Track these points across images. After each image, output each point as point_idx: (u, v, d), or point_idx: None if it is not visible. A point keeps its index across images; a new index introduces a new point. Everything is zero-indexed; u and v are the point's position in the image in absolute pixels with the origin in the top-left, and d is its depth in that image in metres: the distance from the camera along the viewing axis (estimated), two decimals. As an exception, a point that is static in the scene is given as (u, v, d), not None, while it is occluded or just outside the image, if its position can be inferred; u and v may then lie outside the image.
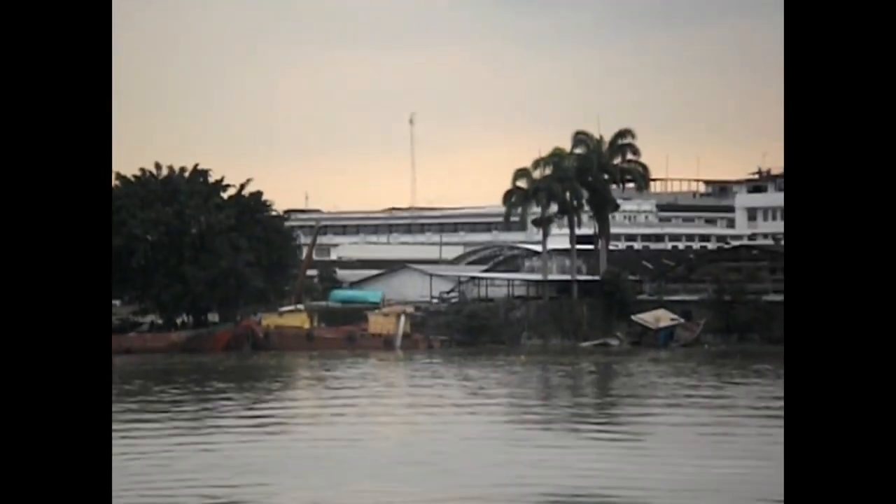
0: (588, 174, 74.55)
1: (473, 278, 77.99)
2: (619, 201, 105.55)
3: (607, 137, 75.99)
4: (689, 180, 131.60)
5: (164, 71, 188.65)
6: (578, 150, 75.32)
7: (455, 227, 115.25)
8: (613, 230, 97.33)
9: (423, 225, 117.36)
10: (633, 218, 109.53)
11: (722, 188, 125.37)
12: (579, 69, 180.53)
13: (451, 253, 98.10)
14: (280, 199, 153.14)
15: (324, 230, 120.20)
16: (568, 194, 74.24)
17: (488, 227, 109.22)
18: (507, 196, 74.45)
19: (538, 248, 77.79)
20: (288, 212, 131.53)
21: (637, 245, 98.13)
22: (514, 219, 75.43)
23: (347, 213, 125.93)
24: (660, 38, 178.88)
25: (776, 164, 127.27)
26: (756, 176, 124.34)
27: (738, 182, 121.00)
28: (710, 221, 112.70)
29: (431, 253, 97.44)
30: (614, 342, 70.24)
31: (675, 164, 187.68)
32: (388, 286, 78.40)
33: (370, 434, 32.33)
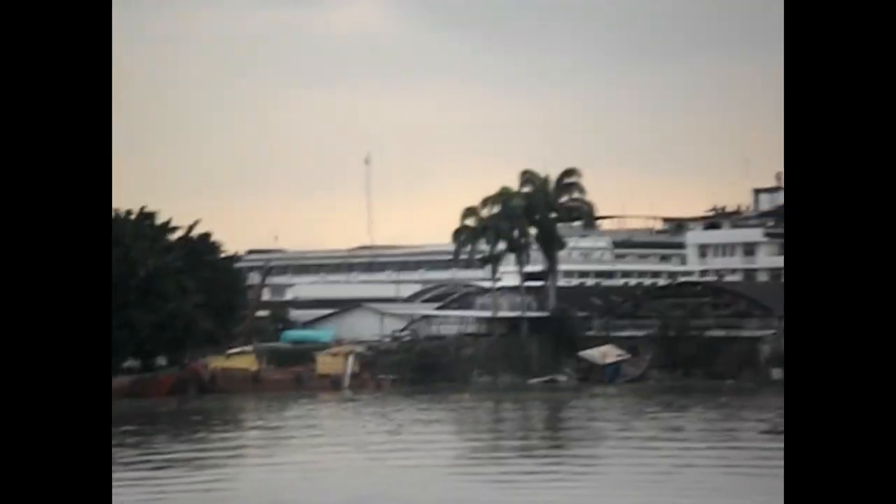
0: (535, 212, 75.62)
1: (426, 316, 78.59)
2: (574, 238, 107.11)
3: (556, 177, 77.19)
4: (647, 217, 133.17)
5: (126, 113, 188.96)
6: (526, 190, 76.44)
7: (416, 266, 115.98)
8: (567, 267, 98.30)
9: (383, 263, 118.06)
10: (588, 255, 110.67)
11: (679, 225, 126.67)
12: (546, 109, 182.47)
13: (410, 292, 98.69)
14: (248, 240, 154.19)
15: (283, 270, 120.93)
16: (516, 232, 75.28)
17: (448, 265, 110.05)
18: (456, 234, 75.38)
19: (488, 284, 78.71)
20: (252, 252, 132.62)
21: (590, 281, 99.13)
22: (463, 257, 76.31)
23: (307, 252, 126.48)
24: (632, 77, 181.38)
25: (731, 202, 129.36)
26: (712, 213, 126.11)
27: (694, 219, 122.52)
28: (664, 258, 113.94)
29: (389, 291, 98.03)
30: (562, 378, 70.99)
31: (633, 202, 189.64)
32: (342, 325, 78.88)
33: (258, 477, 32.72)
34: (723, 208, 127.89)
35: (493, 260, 75.44)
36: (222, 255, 74.03)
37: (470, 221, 74.99)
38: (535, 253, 79.26)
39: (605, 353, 71.04)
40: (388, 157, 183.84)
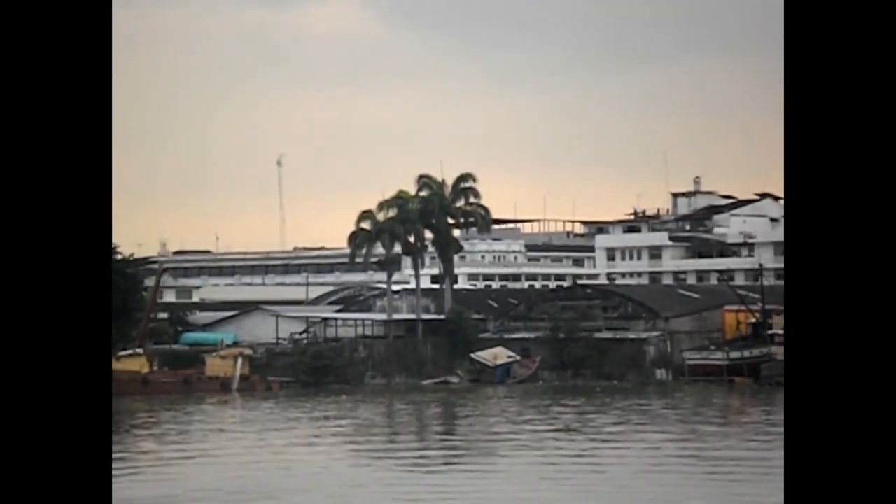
0: (431, 216, 76.47)
1: (325, 319, 79.07)
2: (486, 241, 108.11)
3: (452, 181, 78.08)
4: (566, 221, 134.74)
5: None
6: (423, 193, 77.26)
7: (331, 268, 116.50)
8: (472, 270, 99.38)
9: (300, 265, 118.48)
10: (501, 258, 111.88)
11: (599, 228, 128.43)
12: (497, 111, 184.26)
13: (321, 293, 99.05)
14: (189, 240, 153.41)
15: (198, 272, 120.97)
16: (412, 236, 76.10)
17: (364, 267, 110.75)
18: (352, 237, 76.06)
19: (395, 287, 79.62)
20: (177, 253, 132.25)
21: (496, 284, 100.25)
22: (359, 260, 77.00)
23: (227, 254, 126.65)
24: (583, 81, 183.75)
25: (650, 205, 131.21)
26: (631, 216, 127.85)
27: (614, 223, 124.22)
28: (577, 262, 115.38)
29: (301, 294, 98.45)
30: (455, 380, 71.85)
31: (565, 203, 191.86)
32: (241, 328, 79.09)
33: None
34: (643, 212, 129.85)
35: (389, 263, 76.23)
36: (118, 258, 73.99)
37: (365, 224, 75.69)
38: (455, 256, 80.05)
39: (497, 355, 72.08)
40: (337, 157, 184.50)
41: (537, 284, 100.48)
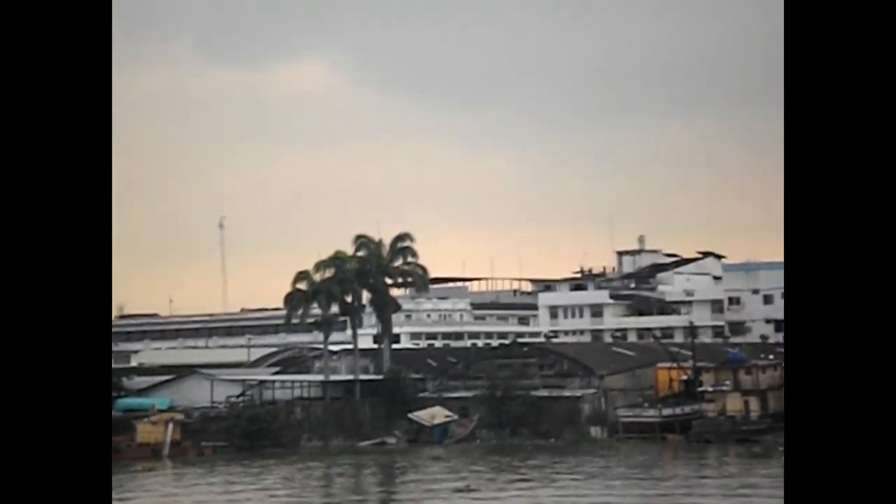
0: (369, 276, 76.34)
1: (262, 382, 78.29)
2: (433, 301, 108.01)
3: (389, 241, 78.09)
4: (514, 279, 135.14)
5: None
6: (361, 254, 77.19)
7: (275, 329, 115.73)
8: (414, 329, 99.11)
9: (243, 327, 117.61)
10: (447, 316, 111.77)
11: (547, 286, 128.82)
12: (422, 170, 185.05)
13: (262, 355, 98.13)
14: (146, 303, 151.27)
15: (141, 336, 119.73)
16: (350, 296, 75.87)
17: (307, 328, 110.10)
18: (288, 298, 75.67)
19: (336, 347, 79.18)
20: (125, 317, 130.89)
21: (438, 343, 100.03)
22: (295, 321, 76.56)
23: (171, 317, 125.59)
24: (528, 139, 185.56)
25: (597, 264, 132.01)
26: (578, 275, 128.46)
27: (562, 280, 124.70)
28: (523, 320, 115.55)
29: (243, 356, 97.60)
30: (392, 440, 71.25)
31: (503, 263, 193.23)
32: (178, 392, 78.04)
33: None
34: (589, 270, 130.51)
35: (326, 324, 75.84)
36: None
37: (302, 285, 75.40)
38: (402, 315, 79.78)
39: (434, 415, 71.67)
40: (285, 217, 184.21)
41: (480, 343, 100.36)
